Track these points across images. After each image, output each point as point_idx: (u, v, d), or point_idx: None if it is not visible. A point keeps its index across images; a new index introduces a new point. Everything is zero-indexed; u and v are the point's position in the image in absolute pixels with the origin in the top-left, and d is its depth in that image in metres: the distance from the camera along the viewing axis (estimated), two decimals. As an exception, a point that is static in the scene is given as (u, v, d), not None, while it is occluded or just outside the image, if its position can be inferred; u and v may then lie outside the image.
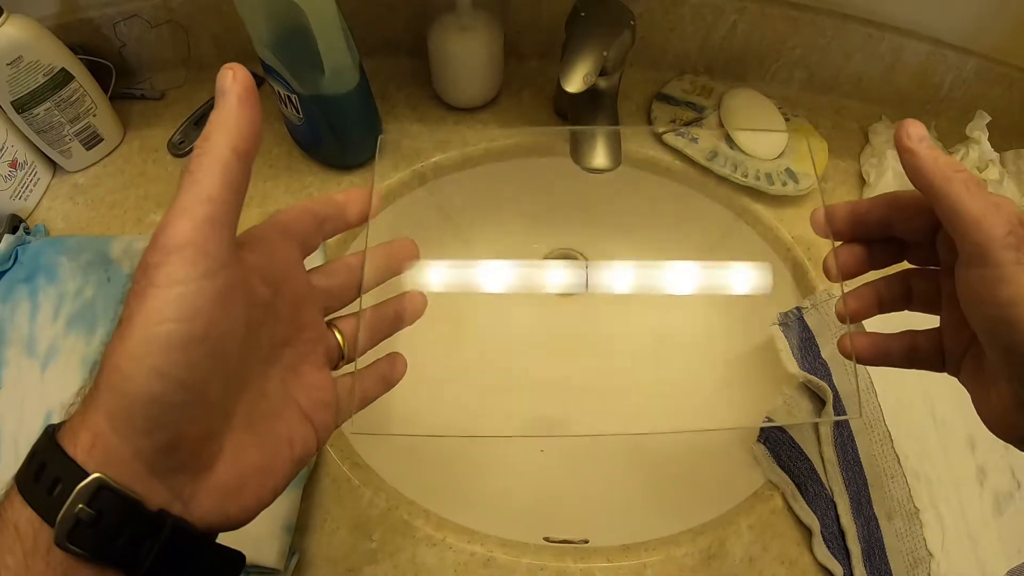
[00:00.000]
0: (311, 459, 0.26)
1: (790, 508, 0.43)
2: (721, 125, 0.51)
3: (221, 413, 0.23)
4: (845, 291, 0.30)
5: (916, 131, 0.26)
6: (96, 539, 0.20)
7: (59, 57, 0.55)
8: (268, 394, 0.25)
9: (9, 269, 0.54)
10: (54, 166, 0.58)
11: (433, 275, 0.41)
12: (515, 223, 0.56)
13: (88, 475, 0.20)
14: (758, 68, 0.54)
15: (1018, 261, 0.22)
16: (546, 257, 0.59)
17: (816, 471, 0.44)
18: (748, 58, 0.53)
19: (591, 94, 0.45)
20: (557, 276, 0.58)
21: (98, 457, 0.20)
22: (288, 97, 0.45)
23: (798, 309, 0.46)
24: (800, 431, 0.44)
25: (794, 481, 0.43)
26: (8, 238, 0.55)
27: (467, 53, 0.49)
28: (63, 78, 0.56)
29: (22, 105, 0.56)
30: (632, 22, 0.45)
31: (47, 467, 0.20)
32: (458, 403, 0.51)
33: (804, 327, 0.46)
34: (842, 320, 0.30)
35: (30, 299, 0.53)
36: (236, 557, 0.24)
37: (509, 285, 0.48)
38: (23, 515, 0.20)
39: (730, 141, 0.50)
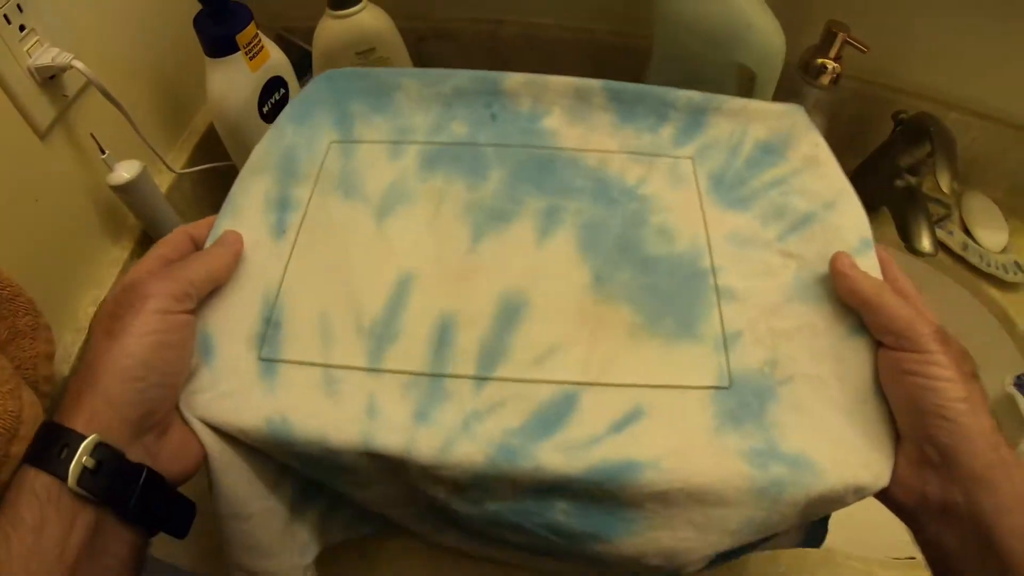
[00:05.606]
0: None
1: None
2: (962, 221, 0.63)
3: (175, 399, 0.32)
4: None
5: (847, 259, 0.36)
6: (97, 483, 0.27)
7: (404, 60, 0.54)
8: None
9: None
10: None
11: None
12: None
13: (89, 436, 0.27)
14: (977, 174, 0.66)
15: (942, 352, 0.31)
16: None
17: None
18: (976, 165, 0.66)
19: (910, 191, 0.55)
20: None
21: (95, 426, 0.28)
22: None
23: (1027, 375, 0.59)
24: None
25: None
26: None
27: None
28: (400, 85, 0.55)
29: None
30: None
31: (54, 438, 0.27)
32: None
33: (1033, 388, 0.58)
34: None
35: (338, 127, 0.43)
36: (190, 504, 0.32)
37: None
38: (38, 479, 0.27)
39: (970, 235, 0.62)
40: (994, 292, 0.62)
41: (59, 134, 0.46)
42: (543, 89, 0.43)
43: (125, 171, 0.48)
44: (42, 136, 0.45)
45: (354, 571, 0.45)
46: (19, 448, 0.32)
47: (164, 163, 0.54)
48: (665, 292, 0.37)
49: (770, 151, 0.43)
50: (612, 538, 0.31)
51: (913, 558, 0.51)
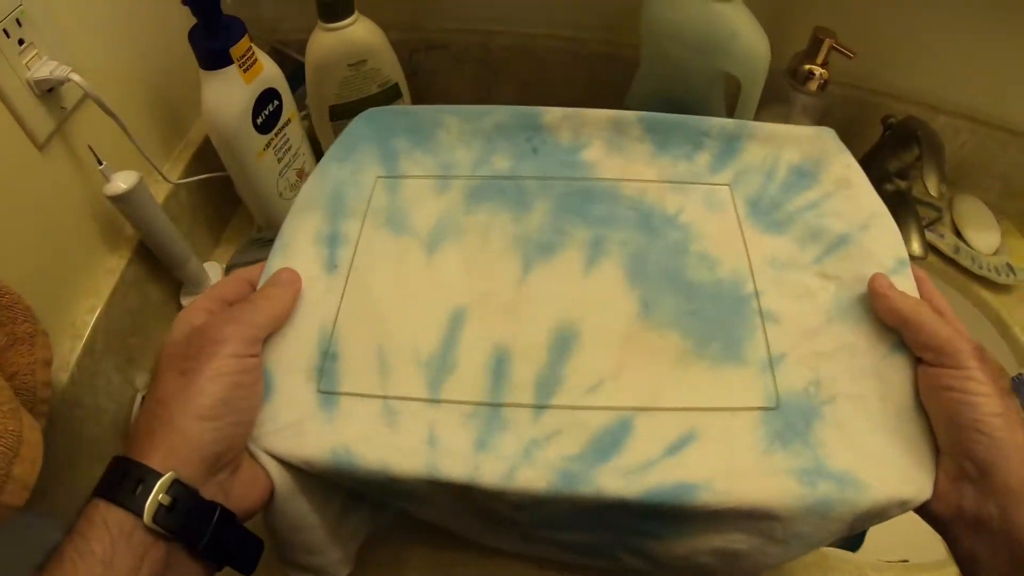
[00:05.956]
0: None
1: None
2: (953, 224, 0.63)
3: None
4: None
5: (885, 280, 0.36)
6: (171, 520, 0.27)
7: (396, 71, 0.55)
8: None
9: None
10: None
11: None
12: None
13: (165, 474, 0.27)
14: (967, 177, 0.67)
15: (980, 368, 0.31)
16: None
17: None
18: (965, 168, 0.66)
19: (899, 195, 0.56)
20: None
21: (171, 464, 0.28)
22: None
23: (1021, 374, 0.59)
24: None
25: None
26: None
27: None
28: (393, 93, 0.56)
29: (339, 113, 0.55)
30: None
31: (129, 474, 0.27)
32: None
33: (1027, 389, 0.58)
34: None
35: (383, 163, 0.43)
36: (258, 541, 0.32)
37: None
38: (111, 514, 0.27)
39: (961, 238, 0.62)
40: (986, 294, 0.62)
41: (57, 145, 0.47)
42: (582, 122, 0.44)
43: (122, 182, 0.49)
44: (40, 147, 0.45)
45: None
46: (21, 469, 0.32)
47: (160, 174, 0.55)
48: (711, 317, 0.38)
49: (803, 174, 0.43)
50: (665, 537, 0.33)
51: (906, 560, 0.51)
